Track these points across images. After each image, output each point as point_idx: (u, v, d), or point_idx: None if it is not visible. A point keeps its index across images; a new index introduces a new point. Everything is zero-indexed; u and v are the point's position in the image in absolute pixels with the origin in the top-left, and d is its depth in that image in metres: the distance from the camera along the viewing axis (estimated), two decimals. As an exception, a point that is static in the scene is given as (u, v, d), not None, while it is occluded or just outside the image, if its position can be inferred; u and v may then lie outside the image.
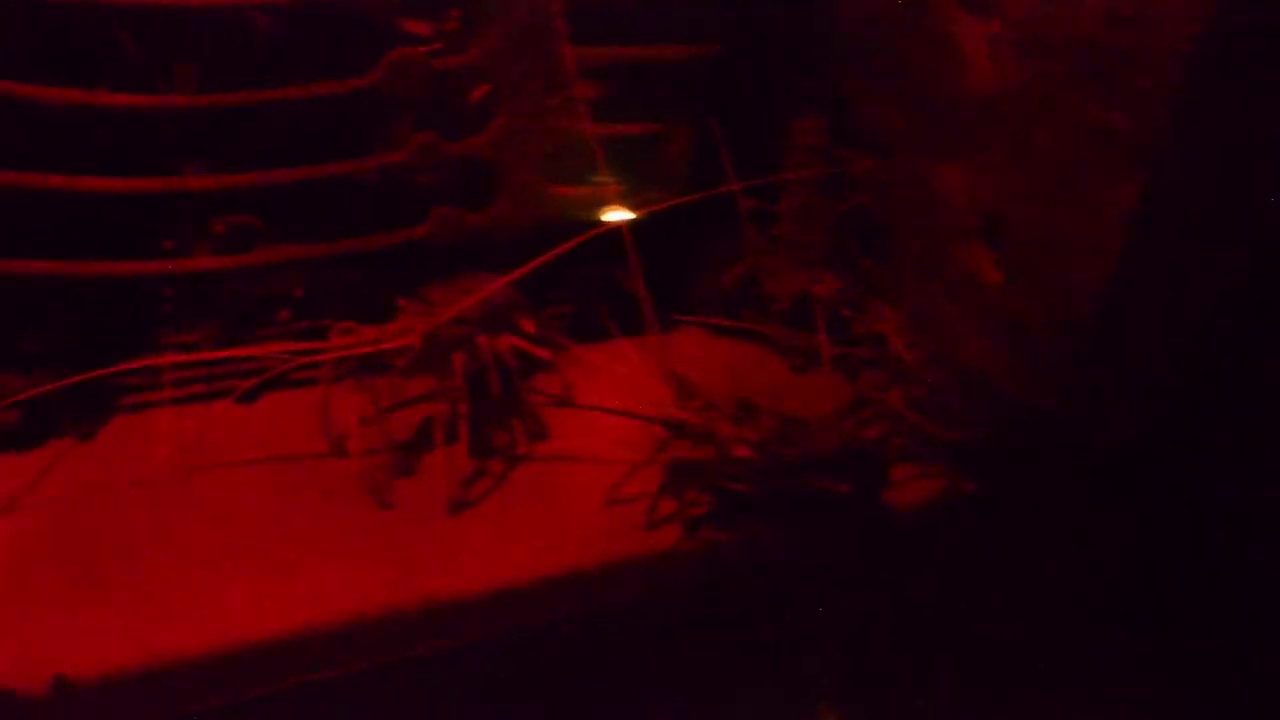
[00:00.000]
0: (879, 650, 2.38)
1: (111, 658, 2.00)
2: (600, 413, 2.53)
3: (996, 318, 2.31)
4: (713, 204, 2.53)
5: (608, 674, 2.28)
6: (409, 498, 2.36)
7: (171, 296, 2.65)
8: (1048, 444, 2.35)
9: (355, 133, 2.62)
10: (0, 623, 2.06)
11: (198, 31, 2.41)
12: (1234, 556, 2.41)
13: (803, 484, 2.19)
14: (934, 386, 2.40)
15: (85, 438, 2.54)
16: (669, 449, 2.25)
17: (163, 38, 2.37)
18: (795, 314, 2.59)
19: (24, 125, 2.35)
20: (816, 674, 2.37)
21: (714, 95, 2.55)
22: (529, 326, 2.50)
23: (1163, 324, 2.23)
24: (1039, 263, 2.23)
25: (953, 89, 2.28)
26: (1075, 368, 2.25)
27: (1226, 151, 2.05)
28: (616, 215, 2.50)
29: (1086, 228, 2.12)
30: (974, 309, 2.36)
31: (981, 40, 2.23)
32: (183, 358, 2.52)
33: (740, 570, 2.25)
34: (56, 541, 2.25)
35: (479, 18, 2.51)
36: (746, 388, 2.39)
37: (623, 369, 2.53)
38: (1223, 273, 2.20)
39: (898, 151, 2.47)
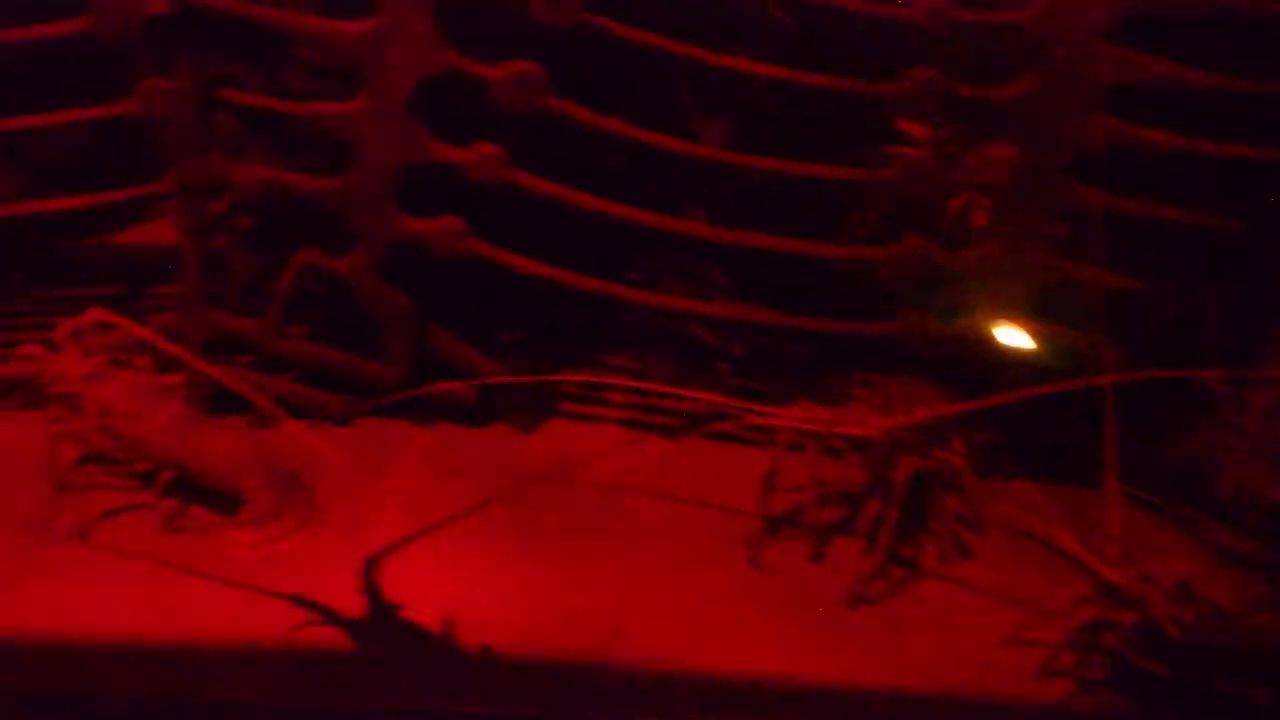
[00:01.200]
0: None
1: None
2: (1010, 550, 2.52)
3: None
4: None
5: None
6: (810, 578, 2.42)
7: (632, 324, 2.84)
8: None
9: (834, 217, 2.75)
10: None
11: (732, 94, 2.59)
12: None
13: (1219, 680, 2.12)
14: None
15: (525, 429, 2.75)
16: (1088, 606, 2.22)
17: (704, 93, 2.56)
18: (1235, 508, 2.50)
19: (560, 141, 2.57)
20: None
21: (1216, 266, 2.51)
22: (959, 447, 2.52)
23: None
24: None
25: None
26: None
27: None
28: (1080, 362, 2.48)
29: None
30: None
31: None
32: (634, 384, 2.68)
33: (1130, 747, 2.19)
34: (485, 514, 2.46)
35: (980, 134, 2.58)
36: (1167, 567, 2.34)
37: (1035, 513, 2.53)
38: None
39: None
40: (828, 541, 2.47)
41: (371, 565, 2.17)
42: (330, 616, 2.11)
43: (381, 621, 2.10)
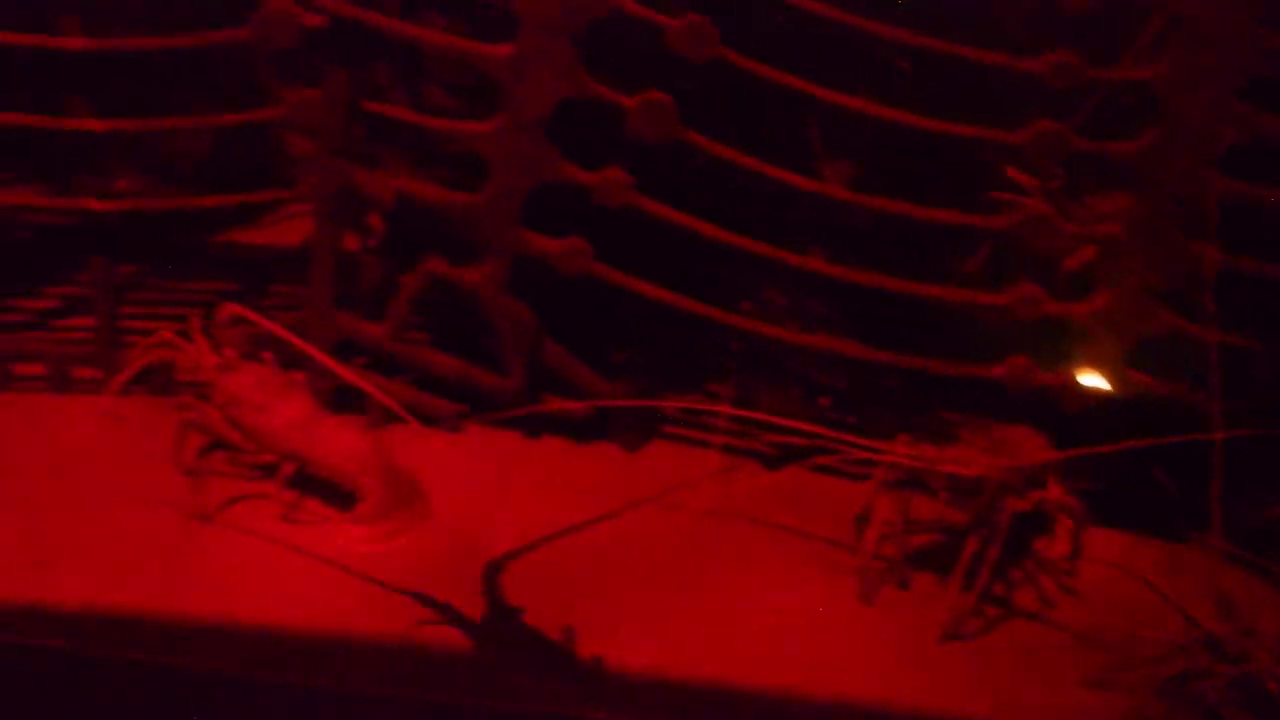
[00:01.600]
0: None
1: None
2: (1104, 597, 2.55)
3: None
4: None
5: None
6: (903, 611, 2.47)
7: (738, 352, 2.91)
8: None
9: (947, 260, 2.81)
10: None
11: (857, 135, 2.67)
12: None
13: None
14: None
15: (630, 449, 2.82)
16: (1183, 655, 2.25)
17: (836, 133, 2.65)
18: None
19: (685, 170, 2.66)
20: None
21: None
22: (1055, 490, 2.56)
23: None
24: None
25: None
26: None
27: None
28: (1184, 417, 2.51)
29: None
30: None
31: None
32: (739, 412, 2.74)
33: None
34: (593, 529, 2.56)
35: (1096, 186, 2.63)
36: (1267, 623, 2.36)
37: (1131, 562, 2.57)
38: None
39: None
40: (922, 576, 2.53)
41: (492, 569, 2.25)
42: (444, 614, 2.20)
43: (496, 624, 2.18)
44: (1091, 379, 2.65)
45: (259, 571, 2.39)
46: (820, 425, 2.59)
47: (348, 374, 2.56)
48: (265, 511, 2.52)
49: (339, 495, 2.54)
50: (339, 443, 2.53)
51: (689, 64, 2.48)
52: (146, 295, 3.11)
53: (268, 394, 2.54)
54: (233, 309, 2.60)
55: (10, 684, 2.30)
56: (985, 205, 2.68)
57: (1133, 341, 2.57)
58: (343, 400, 2.70)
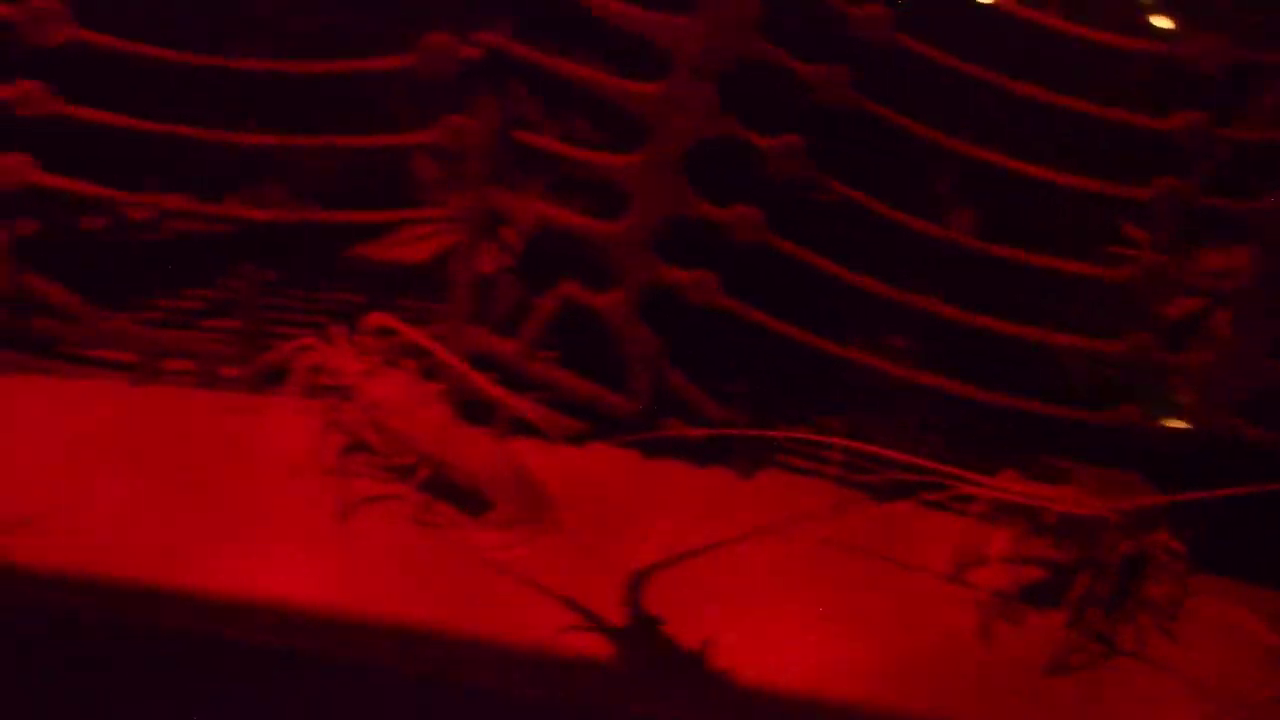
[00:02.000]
0: None
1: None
2: (1208, 640, 2.61)
3: None
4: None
5: None
6: (1010, 643, 2.54)
7: (849, 386, 3.01)
8: None
9: (1059, 306, 2.90)
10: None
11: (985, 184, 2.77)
12: None
13: None
14: None
15: (744, 474, 2.93)
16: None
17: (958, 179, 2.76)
18: None
19: (813, 210, 2.77)
20: None
21: None
22: (1169, 536, 2.62)
23: None
24: None
25: None
26: None
27: None
28: None
29: None
30: None
31: None
32: (853, 444, 2.84)
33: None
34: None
35: (1211, 241, 2.71)
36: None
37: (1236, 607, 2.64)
38: None
39: None
40: (1026, 610, 2.61)
41: (632, 581, 2.37)
42: (577, 619, 2.31)
43: (633, 633, 2.29)
44: (1198, 426, 2.73)
45: (391, 569, 2.51)
46: (931, 460, 2.68)
47: (490, 386, 2.69)
48: (399, 512, 2.65)
49: (470, 501, 2.66)
50: (475, 450, 2.65)
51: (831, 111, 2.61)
52: (277, 301, 3.27)
53: (409, 401, 2.67)
54: (380, 318, 2.73)
55: (151, 667, 2.43)
56: (1099, 256, 2.78)
57: (1244, 393, 2.65)
58: (476, 411, 2.83)
